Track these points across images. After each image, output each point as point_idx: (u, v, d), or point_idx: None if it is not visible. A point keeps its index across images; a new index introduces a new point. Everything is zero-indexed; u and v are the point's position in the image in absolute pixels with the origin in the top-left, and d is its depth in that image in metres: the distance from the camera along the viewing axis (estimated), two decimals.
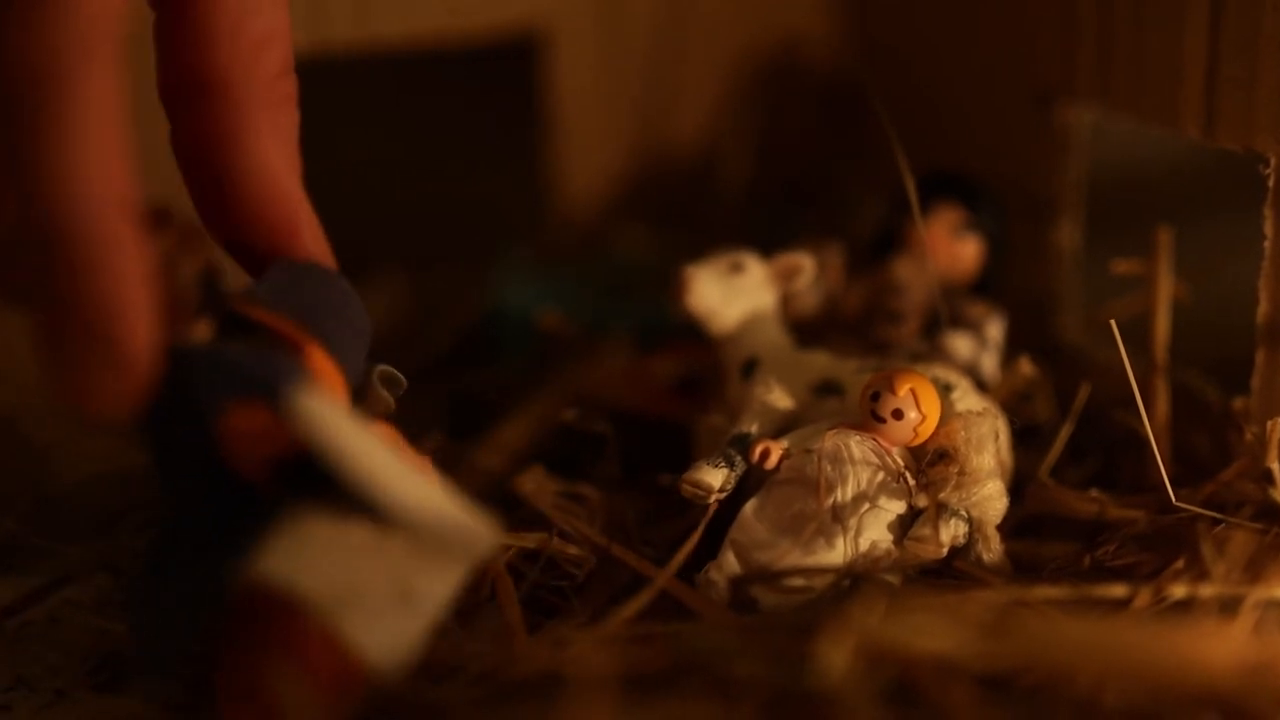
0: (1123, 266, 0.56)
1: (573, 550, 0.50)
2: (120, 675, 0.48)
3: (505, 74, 0.75)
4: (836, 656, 0.41)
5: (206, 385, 0.41)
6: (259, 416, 0.40)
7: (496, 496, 0.53)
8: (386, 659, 0.40)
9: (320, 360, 0.43)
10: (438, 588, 0.41)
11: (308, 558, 0.40)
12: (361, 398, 0.46)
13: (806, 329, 0.57)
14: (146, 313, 0.38)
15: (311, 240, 0.45)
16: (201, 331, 0.42)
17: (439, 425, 0.57)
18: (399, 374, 0.47)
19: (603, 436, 0.55)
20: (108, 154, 0.38)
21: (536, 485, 0.52)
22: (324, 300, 0.44)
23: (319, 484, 0.40)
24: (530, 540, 0.50)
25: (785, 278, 0.54)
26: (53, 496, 0.58)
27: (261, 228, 0.44)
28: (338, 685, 0.41)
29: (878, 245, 0.59)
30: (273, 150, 0.43)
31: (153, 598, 0.42)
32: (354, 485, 0.40)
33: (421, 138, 0.81)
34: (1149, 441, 0.52)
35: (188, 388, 0.41)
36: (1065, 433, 0.55)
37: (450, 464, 0.55)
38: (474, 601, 0.48)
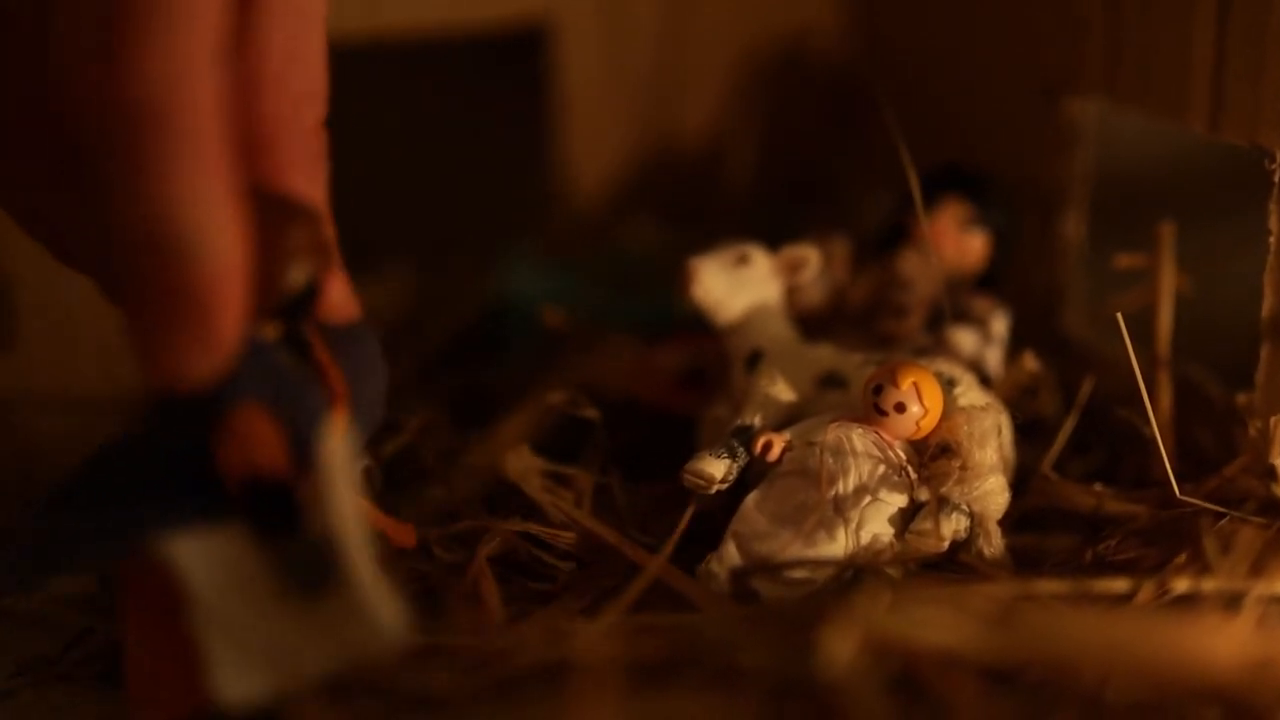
0: (1126, 261, 0.56)
1: (560, 535, 0.50)
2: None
3: (512, 67, 0.75)
4: (839, 648, 0.41)
5: (242, 375, 0.41)
6: (270, 429, 0.41)
7: (496, 488, 0.53)
8: (226, 695, 0.40)
9: (340, 419, 0.44)
10: (314, 664, 0.41)
11: (220, 567, 0.40)
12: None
13: (811, 322, 0.57)
14: (237, 301, 0.40)
15: (339, 291, 0.46)
16: (269, 330, 0.43)
17: (443, 417, 0.57)
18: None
19: (592, 423, 0.55)
20: (216, 152, 0.39)
21: (523, 466, 0.52)
22: (362, 367, 0.45)
23: (274, 520, 0.41)
24: (513, 527, 0.50)
25: (791, 270, 0.54)
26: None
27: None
28: (177, 692, 0.41)
29: (884, 239, 0.59)
30: (307, 195, 0.45)
31: (57, 517, 0.42)
32: (322, 526, 0.40)
33: (428, 131, 0.81)
34: (1153, 436, 0.52)
35: (229, 372, 0.41)
36: (1068, 427, 0.55)
37: (453, 456, 0.56)
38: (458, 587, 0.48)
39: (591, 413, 0.54)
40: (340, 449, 0.41)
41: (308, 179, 0.45)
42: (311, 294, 0.43)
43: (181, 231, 0.39)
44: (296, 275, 0.42)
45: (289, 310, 0.43)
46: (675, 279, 0.54)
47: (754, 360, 0.53)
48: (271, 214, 0.42)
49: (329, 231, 0.45)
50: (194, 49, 0.39)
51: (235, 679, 0.40)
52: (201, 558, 0.40)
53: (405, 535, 0.48)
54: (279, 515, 0.41)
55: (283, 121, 0.44)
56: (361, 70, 0.72)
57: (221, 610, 0.40)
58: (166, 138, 0.39)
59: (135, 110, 0.39)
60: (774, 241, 0.55)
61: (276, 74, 0.44)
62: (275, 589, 0.41)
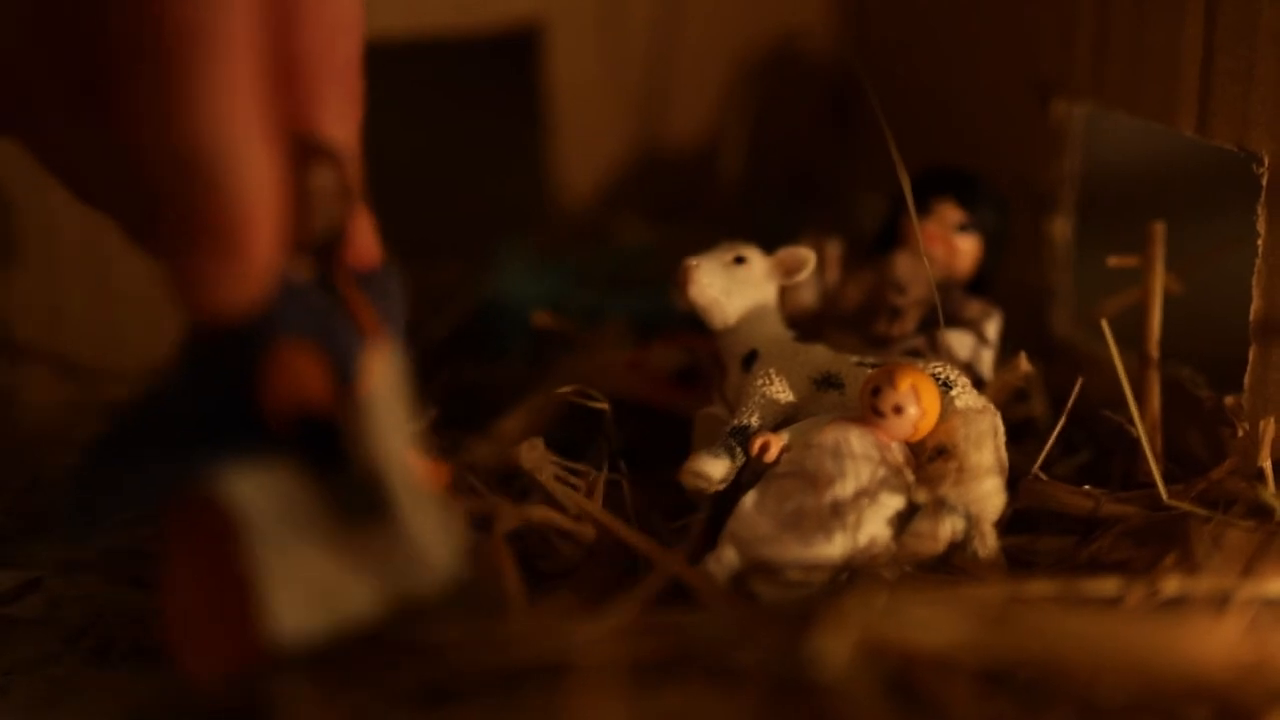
0: (1117, 261, 0.57)
1: (571, 526, 0.50)
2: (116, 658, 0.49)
3: (506, 67, 0.75)
4: (835, 649, 0.41)
5: (279, 309, 0.41)
6: (314, 363, 0.41)
7: (495, 485, 0.53)
8: (282, 629, 0.40)
9: (379, 356, 0.43)
10: (364, 603, 0.41)
11: (274, 502, 0.40)
12: None
13: (802, 323, 0.57)
14: (271, 228, 0.40)
15: (365, 235, 0.46)
16: (303, 268, 0.43)
17: (437, 417, 0.57)
18: None
19: (591, 422, 0.55)
20: (243, 89, 0.39)
21: (537, 458, 0.52)
22: (392, 311, 0.45)
23: (324, 451, 0.41)
24: (528, 514, 0.50)
25: (787, 271, 0.55)
26: (51, 485, 0.58)
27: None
28: (233, 634, 0.41)
29: (878, 241, 0.59)
30: (337, 134, 0.44)
31: (107, 461, 0.42)
32: (366, 463, 0.40)
33: (421, 131, 0.81)
34: (1141, 438, 0.52)
35: (265, 307, 0.41)
36: (1058, 429, 0.55)
37: (448, 454, 0.56)
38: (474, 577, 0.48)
39: (600, 404, 0.55)
40: (381, 384, 0.41)
41: (339, 115, 0.44)
42: (338, 236, 0.43)
43: (215, 156, 0.38)
44: (324, 217, 0.42)
45: (319, 251, 0.43)
46: (670, 279, 0.54)
47: (750, 361, 0.53)
48: (299, 153, 0.41)
49: (356, 174, 0.44)
50: None
51: (291, 614, 0.40)
52: (256, 492, 0.40)
53: (439, 474, 0.47)
54: (326, 450, 0.41)
55: (316, 54, 0.43)
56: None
57: (278, 545, 0.40)
58: (203, 60, 0.38)
59: (172, 30, 0.38)
60: (766, 242, 0.55)
61: (312, 3, 0.43)
62: (327, 525, 0.40)
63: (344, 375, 0.41)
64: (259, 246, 0.40)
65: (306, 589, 0.40)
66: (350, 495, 0.41)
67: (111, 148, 0.41)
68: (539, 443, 0.53)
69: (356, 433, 0.40)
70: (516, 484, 0.53)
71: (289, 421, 0.41)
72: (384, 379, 0.42)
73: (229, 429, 0.41)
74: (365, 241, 0.46)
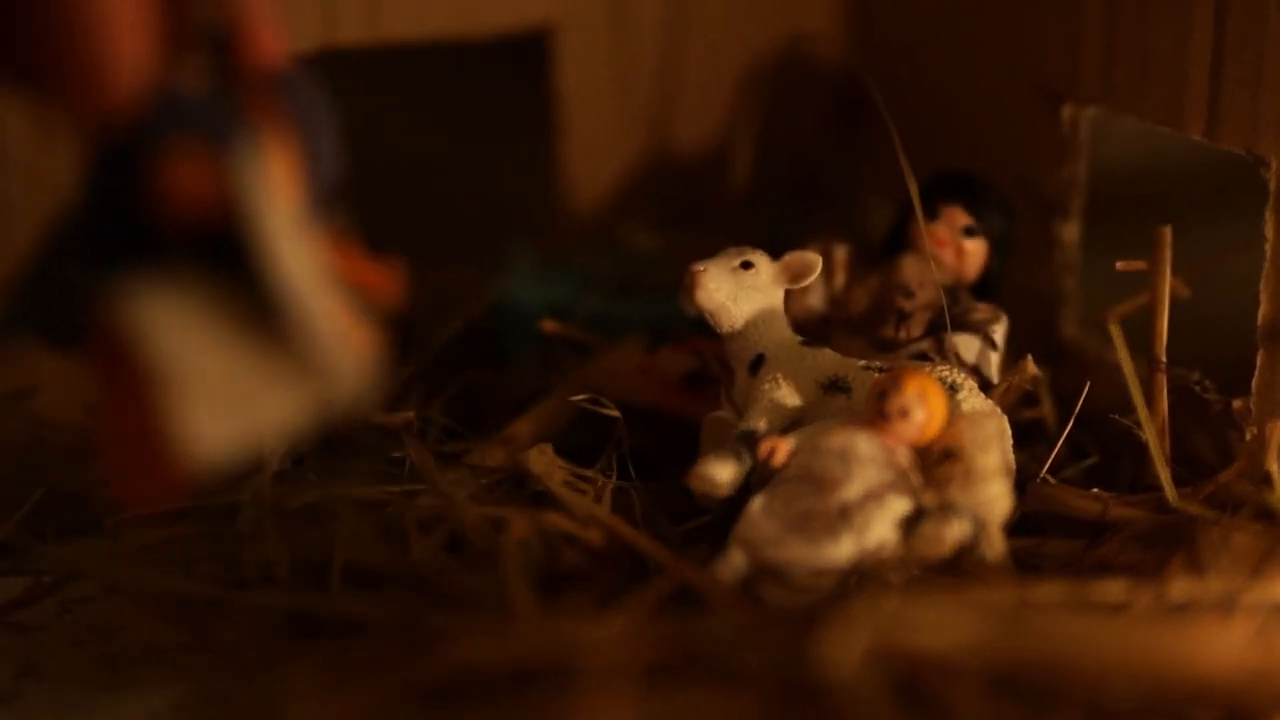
0: (1125, 265, 0.57)
1: (580, 532, 0.50)
2: (127, 663, 0.49)
3: (514, 72, 0.75)
4: (843, 652, 0.41)
5: (161, 115, 0.39)
6: (203, 167, 0.39)
7: (505, 491, 0.53)
8: (198, 446, 0.39)
9: (280, 154, 0.41)
10: (275, 409, 0.40)
11: (176, 316, 0.39)
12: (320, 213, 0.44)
13: (809, 327, 0.58)
14: (131, 30, 0.38)
15: (266, 36, 0.42)
16: (187, 67, 0.41)
17: (446, 423, 0.58)
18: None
19: (614, 420, 0.55)
20: None
21: (546, 463, 0.52)
22: (307, 114, 0.43)
23: (226, 260, 0.39)
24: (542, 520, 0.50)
25: (794, 276, 0.55)
26: (62, 492, 0.58)
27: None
28: (146, 454, 0.40)
29: (885, 245, 0.59)
30: None
31: (34, 277, 0.41)
32: (256, 263, 0.39)
33: (430, 135, 0.81)
34: (1149, 441, 0.52)
35: (143, 115, 0.40)
36: (1065, 432, 0.55)
37: (458, 461, 0.56)
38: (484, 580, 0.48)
39: (611, 411, 0.55)
40: (273, 181, 0.40)
41: None
42: (226, 31, 0.41)
43: None
44: (202, 8, 0.40)
45: (209, 48, 0.41)
46: (678, 284, 0.54)
47: (757, 365, 0.53)
48: None
49: None
50: None
51: (206, 425, 0.38)
52: (156, 307, 0.39)
53: (386, 281, 0.45)
54: (226, 256, 0.39)
55: None
56: (364, 77, 0.72)
57: (184, 357, 0.39)
58: None
59: None
60: (773, 246, 0.56)
61: None
62: (234, 333, 0.39)
63: (236, 176, 0.39)
64: (119, 54, 0.38)
65: (218, 400, 0.39)
66: (254, 301, 0.39)
67: None
68: (548, 448, 0.53)
69: (247, 235, 0.39)
70: (526, 488, 0.53)
71: (185, 229, 0.39)
72: (279, 176, 0.40)
73: (124, 246, 0.39)
74: (264, 39, 0.42)
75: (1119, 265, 0.57)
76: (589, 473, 0.53)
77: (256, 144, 0.40)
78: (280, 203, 0.40)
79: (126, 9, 0.38)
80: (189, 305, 0.39)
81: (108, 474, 0.41)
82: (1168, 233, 0.56)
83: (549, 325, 0.62)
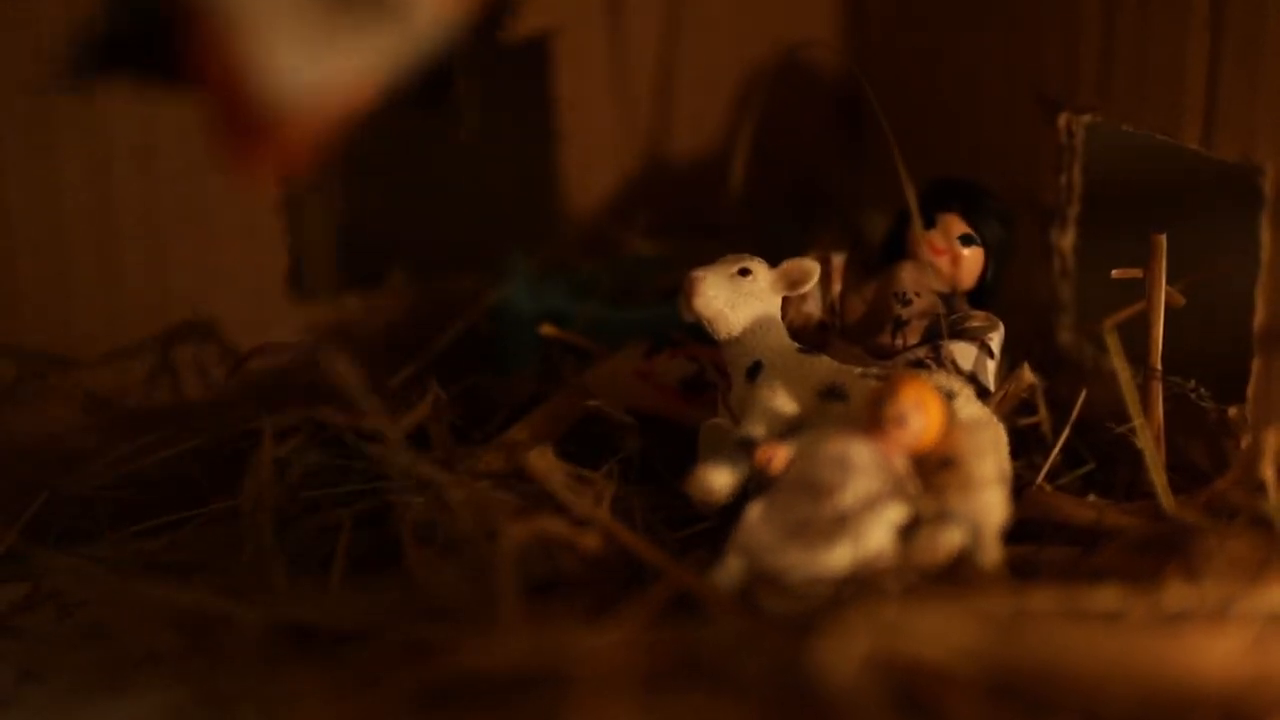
0: (1120, 273, 0.57)
1: (578, 537, 0.50)
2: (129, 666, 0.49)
3: (513, 79, 0.75)
4: (840, 660, 0.41)
5: None
6: None
7: (503, 496, 0.53)
8: (295, 87, 0.39)
9: None
10: (359, 50, 0.39)
11: None
12: None
13: (805, 335, 0.58)
14: None
15: None
16: None
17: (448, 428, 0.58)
18: None
19: (613, 426, 0.56)
20: None
21: (546, 465, 0.53)
22: None
23: None
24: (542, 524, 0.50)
25: (792, 283, 0.55)
26: (65, 496, 0.58)
27: None
28: (240, 102, 0.39)
29: (883, 252, 0.60)
30: None
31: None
32: None
33: (429, 143, 0.81)
34: (1145, 448, 0.52)
35: None
36: (1062, 440, 0.56)
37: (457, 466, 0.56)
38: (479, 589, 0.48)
39: (620, 417, 0.55)
40: None
41: None
42: None
43: None
44: None
45: None
46: (676, 290, 0.55)
47: (755, 372, 0.53)
48: None
49: None
50: None
51: (288, 59, 0.38)
52: None
53: None
54: None
55: None
56: None
57: (262, 7, 0.39)
58: None
59: None
60: (772, 254, 0.56)
61: None
62: None
63: None
64: None
65: (296, 32, 0.38)
66: None
67: None
68: (549, 450, 0.53)
69: None
70: (525, 493, 0.53)
71: None
72: None
73: None
74: None
75: (1115, 273, 0.57)
76: (589, 474, 0.53)
77: None
78: None
79: None
80: None
81: (231, 155, 0.41)
82: (1163, 241, 0.56)
83: (548, 330, 0.62)
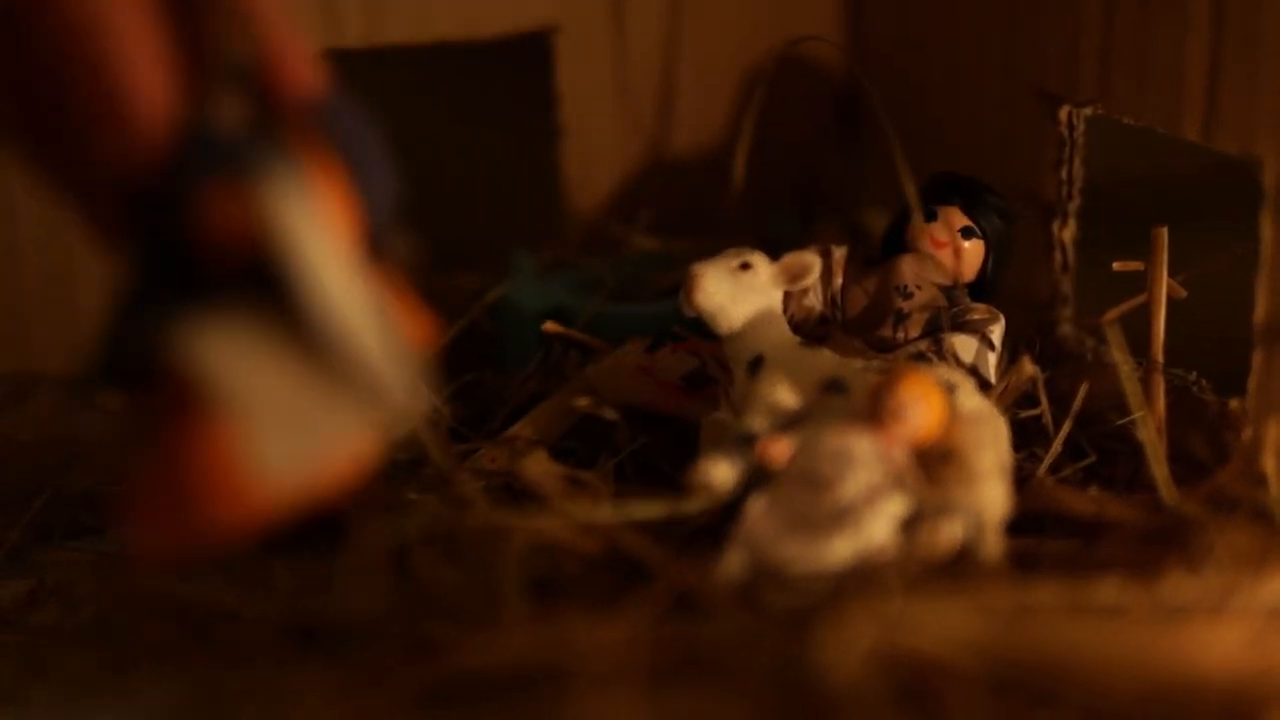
0: (1122, 265, 0.57)
1: (577, 542, 0.50)
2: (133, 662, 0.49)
3: (515, 76, 0.75)
4: (842, 654, 0.41)
5: (190, 154, 0.39)
6: (234, 200, 0.39)
7: (507, 493, 0.53)
8: (275, 474, 0.39)
9: (322, 183, 0.41)
10: (341, 427, 0.40)
11: (233, 350, 0.39)
12: (378, 244, 0.44)
13: (807, 329, 0.58)
14: (156, 73, 0.38)
15: (300, 64, 0.42)
16: (218, 102, 0.40)
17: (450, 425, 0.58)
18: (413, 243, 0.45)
19: (613, 425, 0.56)
20: None
21: (541, 470, 0.53)
22: (352, 141, 0.43)
23: (272, 291, 0.39)
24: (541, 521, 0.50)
25: (793, 277, 0.55)
26: (66, 494, 0.58)
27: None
28: (223, 488, 0.39)
29: (884, 246, 0.60)
30: None
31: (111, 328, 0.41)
32: (296, 293, 0.39)
33: (429, 140, 0.81)
34: (1147, 441, 0.52)
35: (174, 156, 0.39)
36: (1063, 432, 0.56)
37: (460, 462, 0.56)
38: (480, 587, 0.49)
39: (611, 415, 0.55)
40: (308, 211, 0.39)
41: None
42: (250, 64, 0.40)
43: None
44: (228, 43, 0.40)
45: (235, 83, 0.40)
46: (677, 285, 0.55)
47: (756, 366, 0.53)
48: None
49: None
50: None
51: (279, 458, 0.39)
52: (214, 341, 0.39)
53: (423, 324, 0.45)
54: (272, 289, 0.39)
55: None
56: (363, 77, 0.72)
57: (245, 386, 0.39)
58: None
59: None
60: (773, 249, 0.56)
61: None
62: (290, 360, 0.39)
63: (270, 209, 0.39)
64: (139, 92, 0.37)
65: (281, 421, 0.39)
66: (302, 328, 0.39)
67: None
68: (543, 455, 0.53)
69: (285, 267, 0.39)
70: (528, 492, 0.53)
71: (230, 265, 0.39)
72: (317, 206, 0.40)
73: (174, 287, 0.39)
74: (295, 67, 0.41)
75: (1116, 265, 0.57)
76: (587, 477, 0.53)
77: (292, 175, 0.40)
78: (322, 232, 0.39)
79: (143, 42, 0.38)
80: (245, 337, 0.39)
81: (142, 521, 0.40)
82: (1164, 234, 0.56)
83: (550, 326, 0.62)
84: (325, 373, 0.39)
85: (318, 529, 0.43)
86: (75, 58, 0.37)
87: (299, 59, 0.41)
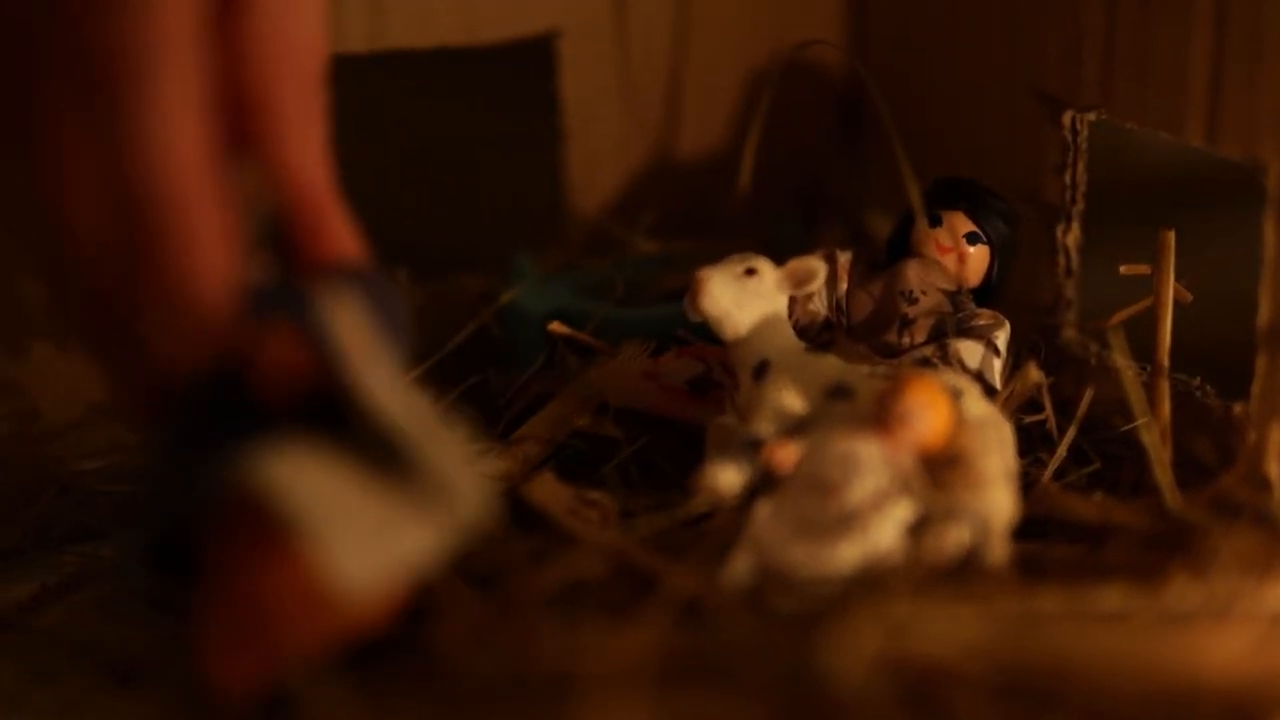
0: (1129, 269, 0.57)
1: (586, 556, 0.50)
2: (131, 671, 0.49)
3: (519, 80, 0.75)
4: (849, 659, 0.41)
5: (248, 308, 0.41)
6: (290, 339, 0.41)
7: (512, 500, 0.53)
8: (358, 587, 0.40)
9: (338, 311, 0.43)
10: (416, 535, 0.41)
11: (305, 474, 0.40)
12: None
13: (813, 333, 0.58)
14: (222, 266, 0.39)
15: (339, 241, 0.45)
16: (256, 264, 0.43)
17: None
18: None
19: (614, 423, 0.56)
20: (188, 121, 0.38)
21: (547, 491, 0.53)
22: (389, 311, 0.45)
23: (334, 418, 0.41)
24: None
25: (798, 282, 0.55)
26: (69, 496, 0.58)
27: (289, 227, 0.45)
28: (307, 610, 0.41)
29: (889, 251, 0.60)
30: (300, 150, 0.43)
31: (148, 491, 0.43)
32: (364, 411, 0.41)
33: (434, 143, 0.81)
34: (1151, 446, 0.52)
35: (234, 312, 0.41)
36: (1068, 437, 0.56)
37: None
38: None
39: (612, 430, 0.55)
40: (353, 336, 0.41)
41: (301, 132, 0.43)
42: (292, 229, 0.43)
43: (158, 197, 0.38)
44: (259, 214, 0.42)
45: (270, 246, 0.43)
46: (683, 289, 0.55)
47: (761, 371, 0.53)
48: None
49: (332, 184, 0.44)
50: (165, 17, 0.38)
51: (362, 571, 0.40)
52: (285, 470, 0.40)
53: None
54: (334, 414, 0.41)
55: (273, 74, 0.42)
56: (367, 81, 0.72)
57: (321, 508, 0.40)
58: (141, 90, 0.37)
59: (107, 61, 0.37)
60: (778, 254, 0.56)
61: (268, 24, 0.42)
62: (360, 480, 0.41)
63: (318, 340, 0.41)
64: (214, 280, 0.39)
65: (357, 534, 0.40)
66: (368, 447, 0.41)
67: (46, 185, 0.39)
68: (549, 475, 0.53)
69: (346, 388, 0.41)
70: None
71: (293, 403, 0.41)
72: (355, 332, 0.42)
73: (241, 432, 0.41)
74: (332, 234, 0.44)
75: (1123, 269, 0.57)
76: (594, 495, 0.53)
77: (330, 309, 0.42)
78: (376, 357, 0.42)
79: (213, 220, 0.39)
80: (314, 462, 0.41)
81: (204, 656, 0.42)
82: (1171, 237, 0.56)
83: (556, 327, 0.62)
84: (395, 485, 0.41)
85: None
86: (142, 240, 0.39)
87: (336, 222, 0.44)
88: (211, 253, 0.39)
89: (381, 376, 0.42)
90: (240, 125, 0.42)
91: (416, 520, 0.41)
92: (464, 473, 0.42)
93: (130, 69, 0.38)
